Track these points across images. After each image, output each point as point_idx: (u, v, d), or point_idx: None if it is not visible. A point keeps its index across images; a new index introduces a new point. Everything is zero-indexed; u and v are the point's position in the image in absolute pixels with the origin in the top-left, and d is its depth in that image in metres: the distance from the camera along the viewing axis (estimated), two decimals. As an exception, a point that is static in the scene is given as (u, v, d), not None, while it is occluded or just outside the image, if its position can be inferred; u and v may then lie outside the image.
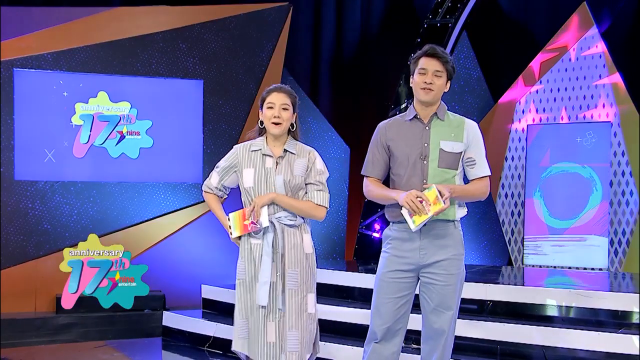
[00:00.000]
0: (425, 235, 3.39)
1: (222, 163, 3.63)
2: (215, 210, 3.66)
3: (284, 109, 3.51)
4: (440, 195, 3.24)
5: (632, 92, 7.16)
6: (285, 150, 3.55)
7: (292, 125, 3.58)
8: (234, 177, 3.61)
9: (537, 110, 7.68)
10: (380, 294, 3.47)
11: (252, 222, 3.43)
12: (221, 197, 3.69)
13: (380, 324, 3.46)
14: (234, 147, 3.65)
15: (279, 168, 3.51)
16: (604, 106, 7.27)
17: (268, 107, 3.52)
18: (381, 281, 3.48)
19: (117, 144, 7.12)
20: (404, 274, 3.44)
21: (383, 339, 3.46)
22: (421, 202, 3.25)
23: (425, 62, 3.42)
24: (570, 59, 7.49)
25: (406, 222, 3.33)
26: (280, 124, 3.50)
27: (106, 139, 7.08)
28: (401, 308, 3.45)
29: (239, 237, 3.53)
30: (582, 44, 7.42)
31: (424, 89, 3.41)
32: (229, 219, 3.50)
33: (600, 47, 7.32)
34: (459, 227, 3.48)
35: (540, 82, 7.65)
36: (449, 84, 3.48)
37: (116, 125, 7.10)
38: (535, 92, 7.69)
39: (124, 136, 7.14)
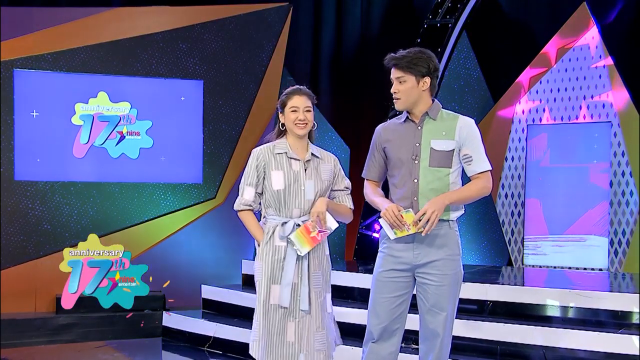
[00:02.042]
0: (419, 235, 3.36)
1: (249, 174, 3.51)
2: (253, 226, 3.53)
3: (307, 111, 3.51)
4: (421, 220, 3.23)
5: (631, 91, 7.16)
6: (312, 154, 3.55)
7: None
8: (262, 182, 3.52)
9: (537, 110, 7.67)
10: (376, 293, 3.46)
11: (320, 231, 3.41)
12: (254, 210, 3.59)
13: (376, 323, 3.44)
14: (254, 151, 3.54)
15: (308, 172, 3.51)
16: (603, 106, 7.27)
17: (292, 111, 3.48)
18: (377, 280, 3.47)
19: (117, 144, 7.12)
20: (399, 274, 3.42)
21: (380, 338, 3.45)
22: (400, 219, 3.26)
23: (391, 72, 3.43)
24: (570, 59, 7.49)
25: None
26: (306, 124, 3.50)
27: (106, 139, 7.09)
28: (398, 308, 3.43)
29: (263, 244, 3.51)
30: (582, 43, 7.42)
31: (393, 99, 3.43)
32: (289, 241, 3.40)
33: (600, 46, 7.32)
34: (454, 227, 3.44)
35: (540, 82, 7.65)
36: (426, 81, 3.38)
37: (116, 125, 7.10)
38: (535, 92, 7.69)
39: (124, 136, 7.14)
